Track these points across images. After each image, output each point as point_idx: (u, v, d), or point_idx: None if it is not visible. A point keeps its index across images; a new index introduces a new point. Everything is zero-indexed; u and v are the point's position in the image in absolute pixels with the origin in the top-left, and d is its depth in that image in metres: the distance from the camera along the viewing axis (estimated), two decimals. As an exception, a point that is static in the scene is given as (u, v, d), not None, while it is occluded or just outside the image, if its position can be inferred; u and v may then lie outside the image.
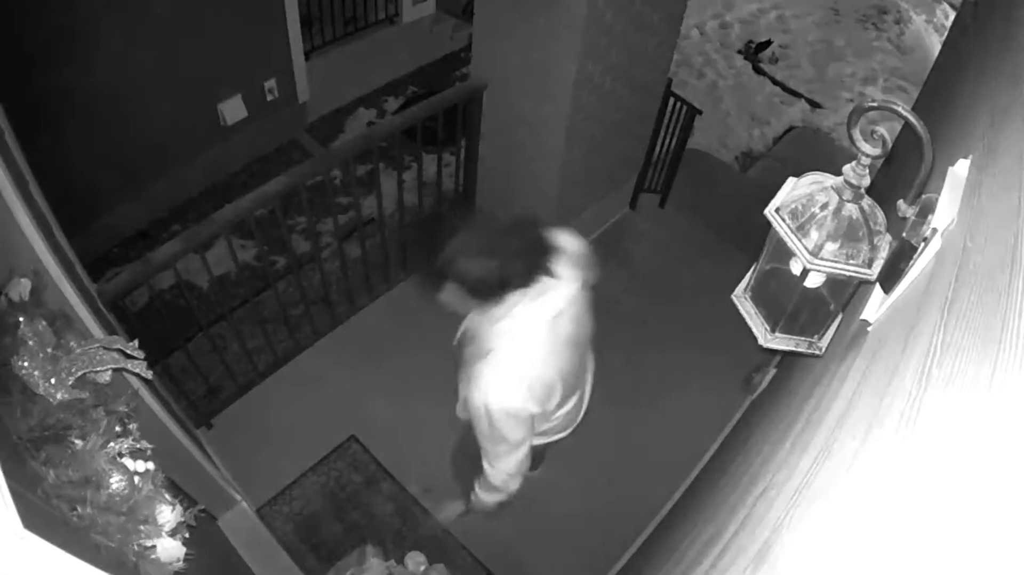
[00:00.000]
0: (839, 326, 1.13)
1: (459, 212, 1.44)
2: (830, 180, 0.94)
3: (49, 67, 3.02)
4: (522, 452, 1.66)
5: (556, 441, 2.02)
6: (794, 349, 1.10)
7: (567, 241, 1.64)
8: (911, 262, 0.89)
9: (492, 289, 1.45)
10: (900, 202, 0.95)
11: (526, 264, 1.45)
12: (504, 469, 1.69)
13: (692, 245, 3.88)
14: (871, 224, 0.92)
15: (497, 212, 3.47)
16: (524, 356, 1.53)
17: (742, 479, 1.38)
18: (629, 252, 3.77)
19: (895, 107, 0.87)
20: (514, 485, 1.76)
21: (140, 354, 1.13)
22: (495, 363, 1.52)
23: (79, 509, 0.91)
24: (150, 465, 1.04)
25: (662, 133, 3.70)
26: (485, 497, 1.82)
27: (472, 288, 1.45)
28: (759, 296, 1.12)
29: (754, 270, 1.12)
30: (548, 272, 1.49)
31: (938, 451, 0.56)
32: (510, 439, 1.59)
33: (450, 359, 3.39)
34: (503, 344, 1.52)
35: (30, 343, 0.99)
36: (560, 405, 1.76)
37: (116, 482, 0.97)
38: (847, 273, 0.93)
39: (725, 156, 5.16)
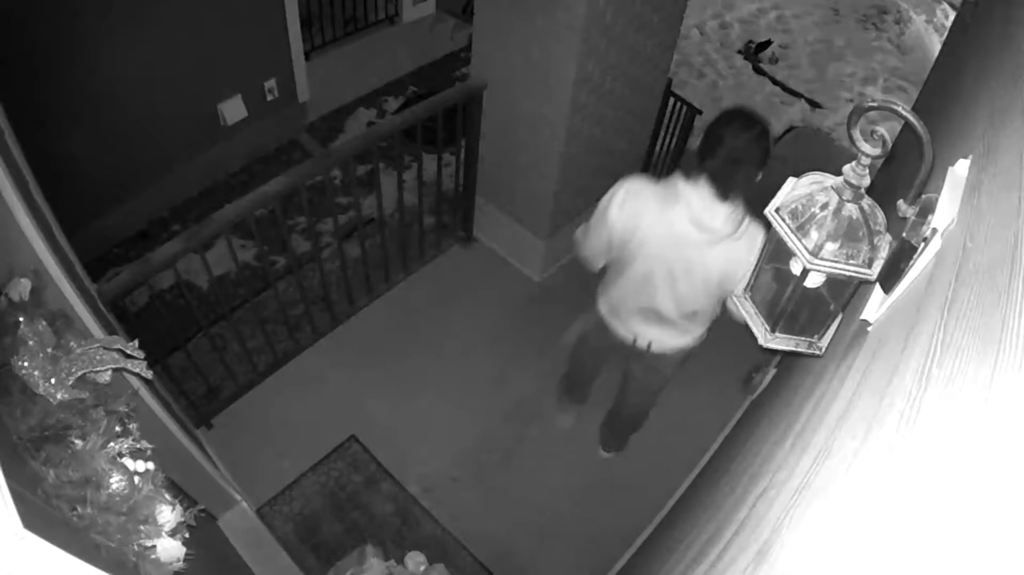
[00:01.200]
0: (839, 326, 1.13)
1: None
2: (830, 180, 0.94)
3: (49, 67, 3.02)
4: (593, 226, 2.02)
5: (610, 316, 2.27)
6: (794, 349, 1.10)
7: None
8: (911, 262, 0.89)
9: (708, 145, 1.73)
10: (900, 202, 0.95)
11: (726, 173, 1.72)
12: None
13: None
14: (871, 224, 0.92)
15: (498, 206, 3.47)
16: (659, 187, 1.88)
17: (742, 479, 1.38)
18: (629, 252, 3.77)
19: (895, 107, 0.87)
20: (580, 242, 2.15)
21: (140, 354, 1.14)
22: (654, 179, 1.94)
23: (79, 509, 0.91)
24: (150, 465, 1.04)
25: (662, 133, 3.70)
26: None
27: (710, 132, 1.73)
28: (759, 296, 1.12)
29: (754, 270, 1.12)
30: (722, 192, 1.75)
31: (938, 451, 0.56)
32: (602, 199, 1.96)
33: (449, 359, 3.40)
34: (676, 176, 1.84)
35: (30, 343, 0.99)
36: (619, 270, 2.08)
37: (116, 482, 0.97)
38: (847, 273, 0.93)
39: (725, 156, 5.13)
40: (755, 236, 1.79)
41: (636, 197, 1.88)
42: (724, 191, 1.74)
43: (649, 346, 2.21)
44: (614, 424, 2.90)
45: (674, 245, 1.86)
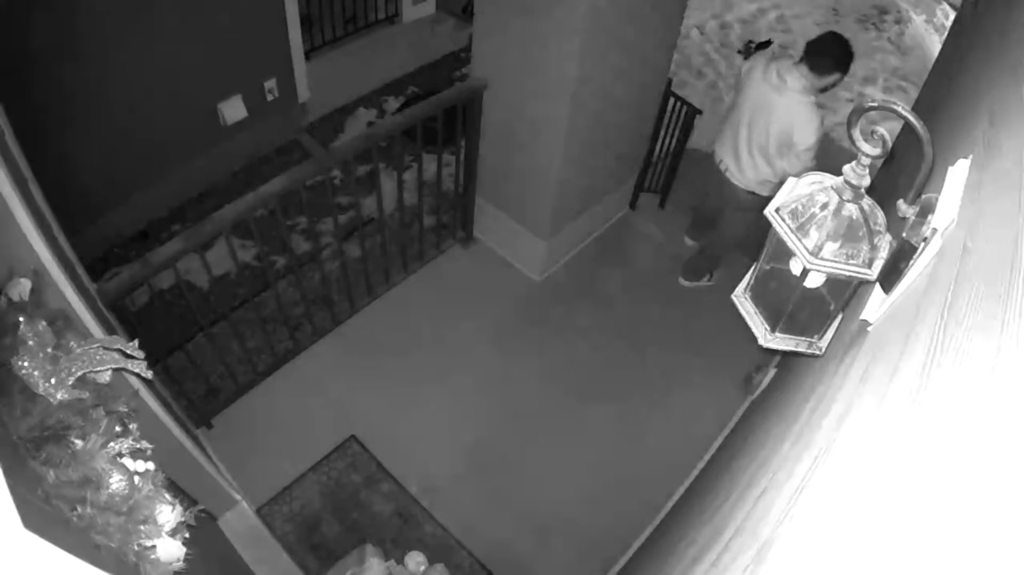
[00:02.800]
0: (839, 326, 1.13)
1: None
2: (830, 180, 0.94)
3: (49, 67, 3.02)
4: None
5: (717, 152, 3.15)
6: (794, 349, 1.10)
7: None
8: (911, 262, 0.89)
9: (814, 39, 2.78)
10: (900, 202, 0.95)
11: (816, 54, 2.70)
12: None
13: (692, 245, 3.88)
14: (871, 224, 0.92)
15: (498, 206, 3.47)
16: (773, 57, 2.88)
17: (742, 479, 1.38)
18: (629, 252, 3.77)
19: (895, 107, 0.87)
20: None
21: (140, 354, 1.13)
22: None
23: (79, 509, 0.91)
24: (150, 465, 1.04)
25: (662, 133, 3.69)
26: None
27: (819, 36, 2.78)
28: (759, 296, 1.12)
29: (754, 270, 1.12)
30: (809, 66, 2.70)
31: (939, 450, 0.56)
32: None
33: (449, 359, 3.39)
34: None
35: (30, 343, 0.99)
36: (731, 113, 3.04)
37: (116, 482, 0.97)
38: (847, 273, 0.93)
39: (725, 156, 5.13)
40: (814, 112, 2.70)
41: (756, 58, 2.90)
42: (809, 65, 2.69)
43: (726, 170, 3.06)
44: (703, 253, 3.58)
45: (762, 85, 2.78)
